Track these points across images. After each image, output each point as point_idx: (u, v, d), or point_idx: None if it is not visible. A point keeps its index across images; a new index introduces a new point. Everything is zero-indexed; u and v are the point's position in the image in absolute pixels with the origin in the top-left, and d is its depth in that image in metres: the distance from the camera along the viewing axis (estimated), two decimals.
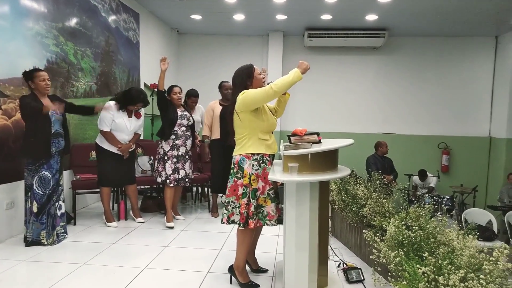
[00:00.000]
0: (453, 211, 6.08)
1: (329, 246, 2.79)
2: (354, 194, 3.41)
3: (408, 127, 7.43)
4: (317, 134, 2.50)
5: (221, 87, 4.36)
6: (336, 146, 2.43)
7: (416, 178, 6.84)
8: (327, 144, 2.44)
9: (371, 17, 6.22)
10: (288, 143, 2.41)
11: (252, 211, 2.39)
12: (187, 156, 4.06)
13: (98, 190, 3.97)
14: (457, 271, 1.55)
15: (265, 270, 2.82)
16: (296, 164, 2.26)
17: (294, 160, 2.29)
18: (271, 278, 2.72)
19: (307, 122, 7.26)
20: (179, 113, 3.97)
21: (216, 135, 4.24)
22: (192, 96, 4.70)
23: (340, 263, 3.01)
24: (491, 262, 1.60)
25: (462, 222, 5.49)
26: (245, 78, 2.46)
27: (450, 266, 1.61)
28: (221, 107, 4.23)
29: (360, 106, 7.49)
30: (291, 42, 7.44)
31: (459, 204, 6.34)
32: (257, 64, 7.75)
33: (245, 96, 2.35)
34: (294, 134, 2.47)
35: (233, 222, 2.44)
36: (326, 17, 6.29)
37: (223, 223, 2.48)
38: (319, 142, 2.49)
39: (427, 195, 6.32)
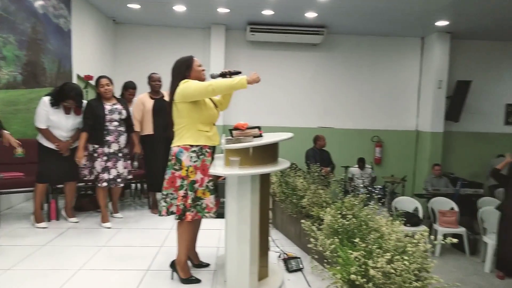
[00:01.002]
0: (385, 200, 6.52)
1: (270, 238, 2.86)
2: (294, 186, 3.52)
3: (345, 121, 7.81)
4: (259, 128, 2.53)
5: (150, 78, 4.15)
6: (277, 140, 2.48)
7: (353, 169, 7.21)
8: (268, 138, 2.49)
9: (311, 15, 6.41)
10: (230, 137, 2.42)
11: (189, 203, 2.37)
12: (120, 154, 3.75)
13: (25, 189, 3.68)
14: (385, 254, 1.67)
15: (207, 265, 2.81)
16: (237, 158, 2.28)
17: (235, 153, 2.31)
18: (213, 272, 2.73)
19: (249, 116, 7.32)
20: (108, 107, 3.68)
21: (148, 130, 4.05)
22: (130, 88, 4.49)
23: (280, 254, 3.10)
24: (413, 244, 1.74)
25: (393, 210, 5.92)
26: (184, 69, 2.43)
27: (379, 250, 1.73)
28: (152, 101, 4.05)
29: (300, 101, 7.72)
30: (233, 36, 7.44)
31: (390, 193, 6.81)
32: (199, 57, 7.65)
33: (186, 87, 2.32)
34: (235, 128, 2.48)
35: (172, 213, 2.42)
36: (267, 12, 6.37)
37: (162, 215, 2.44)
38: (260, 136, 2.52)
39: (362, 185, 6.71)
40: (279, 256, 3.07)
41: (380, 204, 6.30)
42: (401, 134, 7.90)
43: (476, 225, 5.79)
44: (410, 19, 6.51)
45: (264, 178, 2.55)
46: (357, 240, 1.88)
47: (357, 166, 7.22)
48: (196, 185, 2.39)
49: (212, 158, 2.49)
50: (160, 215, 2.45)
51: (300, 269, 2.86)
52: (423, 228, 5.66)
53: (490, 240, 5.19)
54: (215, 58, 7.21)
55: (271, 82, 7.62)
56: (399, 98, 7.87)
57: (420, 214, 5.95)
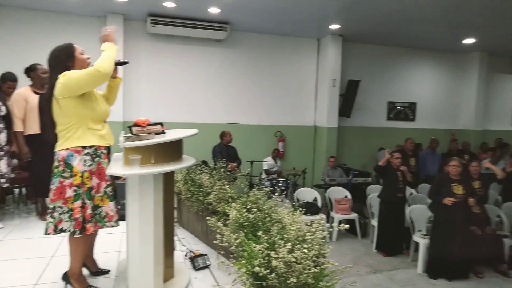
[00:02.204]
0: (288, 192, 6.88)
1: (175, 237, 2.79)
2: (200, 183, 3.48)
3: (250, 117, 8.00)
4: (161, 124, 2.43)
5: (35, 70, 3.71)
6: (180, 137, 2.41)
7: (265, 164, 7.43)
8: (171, 135, 2.40)
9: (214, 10, 6.39)
10: (129, 134, 2.27)
11: (89, 213, 2.14)
12: (1, 153, 3.41)
13: None
14: (286, 244, 1.75)
15: (107, 271, 2.62)
16: (138, 156, 2.16)
17: (135, 152, 2.18)
18: (114, 278, 2.56)
19: (152, 113, 7.02)
20: None
21: (34, 129, 3.63)
22: (9, 80, 3.92)
23: (187, 252, 3.05)
24: (312, 233, 1.85)
25: (295, 201, 6.27)
26: (65, 58, 2.15)
27: (281, 241, 1.80)
28: (37, 96, 3.63)
29: (206, 97, 7.67)
30: (133, 27, 7.03)
31: (293, 185, 7.21)
32: (95, 49, 7.06)
33: (68, 79, 2.03)
34: (135, 125, 2.34)
35: (62, 230, 2.11)
36: (169, 4, 6.16)
37: (48, 234, 2.11)
38: (163, 132, 2.43)
39: (266, 178, 6.96)
40: (186, 255, 3.02)
41: (284, 196, 6.63)
42: (301, 129, 8.40)
43: (366, 211, 6.46)
44: (307, 21, 6.93)
45: (168, 177, 2.47)
46: (260, 233, 1.93)
47: (271, 157, 7.50)
48: (93, 192, 2.16)
49: (109, 160, 2.31)
50: (46, 233, 2.12)
51: (207, 266, 2.84)
52: (321, 216, 6.12)
53: (376, 223, 5.84)
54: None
55: (175, 77, 7.43)
56: (298, 95, 8.34)
57: (319, 203, 6.42)
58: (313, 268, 1.77)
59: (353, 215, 6.34)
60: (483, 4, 5.73)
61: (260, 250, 1.75)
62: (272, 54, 8.06)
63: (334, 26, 7.23)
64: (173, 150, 2.42)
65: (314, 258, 1.81)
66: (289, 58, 8.19)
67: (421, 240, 5.08)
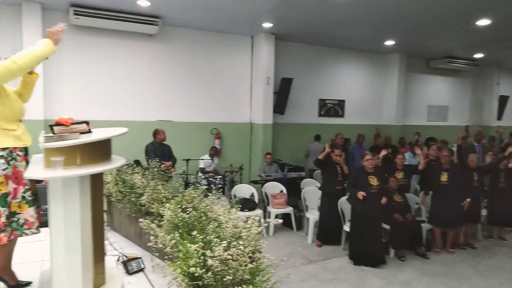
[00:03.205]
0: (225, 189, 6.87)
1: (106, 241, 2.64)
2: (132, 184, 3.34)
3: (185, 114, 7.85)
4: (87, 123, 2.28)
5: None
6: (108, 136, 2.29)
7: (202, 162, 7.32)
8: (98, 134, 2.27)
9: (143, 3, 6.13)
10: (50, 134, 2.10)
11: (2, 222, 1.94)
12: None
13: None
14: (222, 242, 1.74)
15: (28, 284, 2.40)
16: (60, 158, 2.00)
17: (58, 153, 2.02)
18: None
19: (77, 110, 6.57)
20: None
21: None
22: None
23: (119, 257, 2.91)
24: (247, 229, 1.87)
25: (232, 197, 6.28)
26: None
27: (216, 239, 1.79)
28: None
29: (137, 93, 7.36)
30: (53, 17, 6.46)
31: (230, 182, 7.22)
32: (8, 40, 6.41)
33: None
34: (58, 124, 2.17)
35: None
36: None
37: None
38: (89, 131, 2.28)
39: (203, 177, 6.89)
40: (118, 259, 2.88)
41: (221, 193, 6.61)
42: (237, 126, 8.44)
43: (300, 204, 6.69)
44: (240, 18, 6.96)
45: (96, 178, 2.33)
46: (194, 232, 1.90)
47: (208, 155, 7.41)
48: (9, 198, 1.95)
49: (27, 162, 2.10)
50: None
51: (141, 270, 2.74)
52: (259, 211, 6.21)
53: (311, 216, 6.08)
54: (30, 43, 6.13)
55: (103, 72, 7.02)
56: (234, 92, 8.37)
57: (256, 199, 6.52)
58: (249, 264, 1.79)
59: (289, 209, 6.53)
60: (400, 10, 6.21)
61: (195, 250, 1.73)
62: (207, 51, 7.98)
63: (267, 25, 7.36)
64: (101, 150, 2.28)
65: (250, 254, 1.83)
66: (223, 55, 8.17)
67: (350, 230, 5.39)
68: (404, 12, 6.36)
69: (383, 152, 5.74)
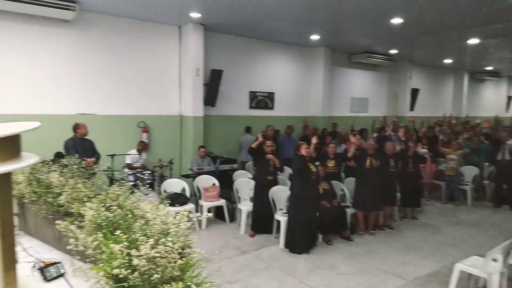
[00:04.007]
0: (154, 184, 6.65)
1: (18, 247, 2.39)
2: (48, 183, 3.05)
3: (109, 107, 7.40)
4: None
5: None
6: (16, 131, 2.05)
7: (128, 157, 6.97)
8: (4, 129, 2.02)
9: None
10: None
11: None
12: None
13: None
14: (149, 240, 1.66)
15: None
16: None
17: None
18: None
19: None
20: None
21: None
22: None
23: (35, 263, 2.65)
24: (176, 225, 1.81)
25: (162, 193, 6.09)
26: None
27: (143, 237, 1.71)
28: None
29: (52, 85, 6.75)
30: None
31: (159, 177, 6.99)
32: None
33: None
34: None
35: None
36: None
37: None
38: None
39: (130, 172, 6.58)
40: (34, 266, 2.62)
41: (150, 189, 6.38)
42: (166, 119, 8.18)
43: (233, 196, 6.73)
44: (166, 6, 6.70)
45: (4, 179, 2.08)
46: (118, 232, 1.79)
47: (136, 150, 7.09)
48: None
49: None
50: None
51: (61, 275, 2.53)
52: (190, 206, 6.11)
53: (244, 207, 6.14)
54: None
55: (11, 60, 6.32)
56: (162, 84, 8.08)
57: (188, 193, 6.40)
58: (178, 260, 1.73)
59: (221, 201, 6.52)
60: (323, 7, 6.47)
61: (119, 250, 1.63)
62: (131, 40, 7.58)
63: (195, 15, 7.19)
64: (8, 147, 2.04)
65: (180, 250, 1.77)
66: (149, 45, 7.83)
67: (282, 218, 5.56)
68: (327, 8, 6.64)
69: (314, 140, 5.78)
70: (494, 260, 3.82)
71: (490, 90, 17.97)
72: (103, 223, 2.15)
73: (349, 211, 6.05)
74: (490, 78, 16.53)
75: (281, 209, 5.76)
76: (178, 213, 1.93)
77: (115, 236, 1.78)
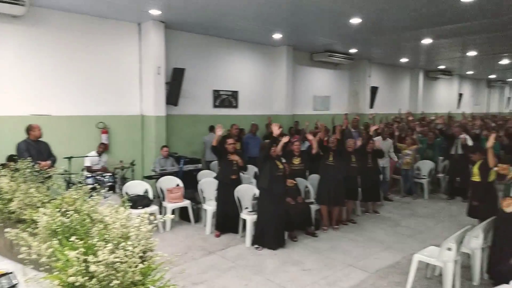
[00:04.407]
0: (115, 187, 6.44)
1: None
2: None
3: (65, 107, 7.07)
4: None
5: None
6: None
7: (87, 159, 6.70)
8: None
9: None
10: None
11: None
12: None
13: None
14: (107, 245, 1.59)
15: None
16: None
17: None
18: None
19: None
20: None
21: None
22: None
23: None
24: (136, 228, 1.75)
25: (124, 195, 5.91)
26: None
27: (101, 242, 1.64)
28: None
29: (2, 84, 6.35)
30: None
31: (121, 179, 6.77)
32: None
33: None
34: None
35: None
36: None
37: None
38: None
39: (90, 175, 6.32)
40: None
41: (111, 191, 6.18)
42: (127, 119, 7.93)
43: (197, 196, 6.64)
44: (123, 2, 6.49)
45: None
46: (74, 237, 1.71)
47: (96, 152, 6.82)
48: None
49: None
50: None
51: (14, 286, 2.38)
52: (153, 208, 5.98)
53: (209, 207, 6.08)
54: None
55: None
56: (121, 83, 7.82)
57: (151, 195, 6.24)
58: (140, 264, 1.68)
59: (186, 202, 6.42)
60: (284, 6, 6.53)
61: (75, 257, 1.55)
62: (88, 37, 7.28)
63: (155, 12, 7.02)
64: None
65: (141, 254, 1.71)
66: (108, 42, 7.56)
67: (247, 217, 5.56)
68: (288, 7, 6.70)
69: (285, 139, 5.76)
70: (449, 249, 4.03)
71: (443, 88, 18.94)
72: (59, 229, 2.04)
73: (313, 207, 6.15)
74: (443, 77, 17.41)
75: (246, 208, 5.75)
76: (139, 215, 1.86)
77: (71, 242, 1.70)
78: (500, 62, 14.48)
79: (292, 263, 4.91)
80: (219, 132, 5.74)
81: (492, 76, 20.98)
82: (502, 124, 11.93)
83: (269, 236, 5.29)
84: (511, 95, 25.73)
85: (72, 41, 7.08)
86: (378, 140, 7.71)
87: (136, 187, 6.25)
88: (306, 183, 6.57)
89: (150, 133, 7.99)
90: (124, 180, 6.78)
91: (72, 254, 1.56)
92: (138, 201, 5.81)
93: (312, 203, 6.21)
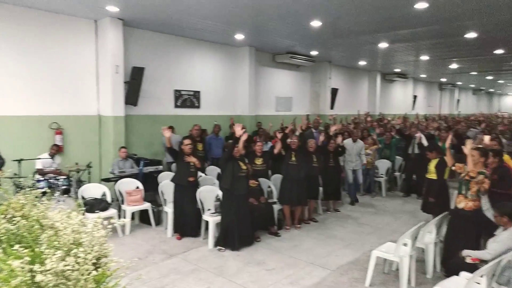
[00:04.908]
0: (71, 190, 6.14)
1: None
2: None
3: (15, 107, 6.65)
4: None
5: None
6: None
7: (39, 162, 6.34)
8: None
9: None
10: None
11: None
12: None
13: None
14: (56, 252, 1.50)
15: None
16: None
17: None
18: None
19: None
20: None
21: None
22: None
23: None
24: (88, 233, 1.66)
25: (79, 199, 5.65)
26: None
27: (50, 250, 1.54)
28: None
29: None
30: None
31: (76, 182, 6.47)
32: None
33: None
34: None
35: None
36: None
37: None
38: None
39: (42, 178, 5.99)
40: None
41: (66, 195, 5.89)
42: (83, 119, 7.59)
43: (158, 198, 6.48)
44: None
45: None
46: (17, 246, 1.59)
47: (48, 154, 6.46)
48: None
49: None
50: None
51: None
52: (112, 211, 5.78)
53: (170, 209, 5.94)
54: None
55: None
56: (77, 82, 7.48)
57: (109, 198, 6.01)
58: (93, 271, 1.59)
59: (146, 205, 6.25)
60: (246, 6, 6.52)
61: (19, 266, 1.44)
62: (41, 33, 6.91)
63: (112, 8, 6.77)
64: None
65: (94, 261, 1.63)
66: (63, 39, 7.21)
67: (210, 218, 5.49)
68: (249, 8, 6.71)
69: (244, 136, 5.68)
70: (405, 244, 4.19)
71: (399, 90, 19.78)
72: (3, 237, 1.90)
73: (276, 207, 6.19)
74: (398, 79, 18.19)
75: (209, 210, 5.69)
76: (93, 220, 1.77)
77: (15, 251, 1.58)
78: (450, 66, 15.36)
79: (255, 263, 4.91)
80: (167, 134, 5.64)
81: (443, 80, 22.20)
82: (452, 125, 12.64)
83: (234, 237, 5.26)
84: (460, 97, 27.37)
85: (24, 37, 6.69)
86: (347, 143, 7.77)
87: (93, 190, 6.00)
88: (269, 183, 6.60)
89: (108, 134, 7.70)
90: (80, 183, 6.49)
91: (16, 263, 1.45)
92: (95, 205, 5.59)
93: (275, 203, 6.25)
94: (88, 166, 6.68)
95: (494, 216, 3.77)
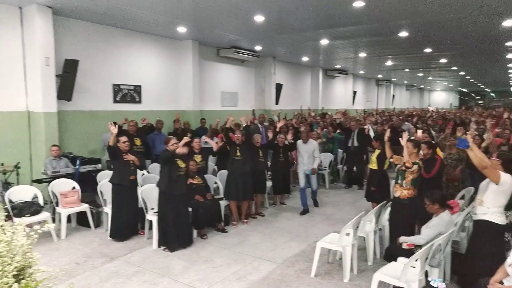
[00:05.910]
0: None
1: None
2: None
3: None
4: None
5: None
6: None
7: None
8: None
9: None
10: None
11: None
12: None
13: None
14: None
15: None
16: None
17: None
18: None
19: None
20: None
21: None
22: None
23: None
24: (7, 242, 1.48)
25: (7, 203, 5.16)
26: None
27: None
28: None
29: None
30: None
31: (3, 184, 5.91)
32: None
33: None
34: None
35: None
36: None
37: None
38: None
39: None
40: None
41: None
42: (9, 115, 6.92)
43: (98, 199, 6.11)
44: None
45: None
46: None
47: None
48: None
49: None
50: None
51: None
52: (45, 215, 5.35)
53: (110, 210, 5.63)
54: None
55: None
56: (2, 75, 6.79)
57: (41, 201, 5.56)
58: (14, 284, 1.42)
59: (84, 206, 5.87)
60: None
61: None
62: None
63: None
64: None
65: (15, 272, 1.45)
66: None
67: (154, 218, 5.28)
68: (190, 1, 6.53)
69: (186, 139, 5.56)
70: (347, 234, 4.34)
71: (340, 86, 20.57)
72: None
73: (223, 203, 6.12)
74: (339, 75, 18.89)
75: (152, 209, 5.47)
76: (11, 227, 1.58)
77: None
78: (385, 63, 16.25)
79: (202, 261, 4.81)
80: (114, 130, 5.34)
81: (380, 76, 23.46)
82: (388, 119, 13.40)
83: (173, 237, 5.10)
84: (395, 93, 29.14)
85: None
86: (298, 144, 7.15)
87: (22, 192, 5.50)
88: (215, 179, 6.51)
89: (39, 132, 7.09)
90: (7, 185, 5.93)
91: None
92: (25, 209, 5.14)
93: (221, 199, 6.17)
94: (16, 166, 6.12)
95: (426, 205, 4.02)
